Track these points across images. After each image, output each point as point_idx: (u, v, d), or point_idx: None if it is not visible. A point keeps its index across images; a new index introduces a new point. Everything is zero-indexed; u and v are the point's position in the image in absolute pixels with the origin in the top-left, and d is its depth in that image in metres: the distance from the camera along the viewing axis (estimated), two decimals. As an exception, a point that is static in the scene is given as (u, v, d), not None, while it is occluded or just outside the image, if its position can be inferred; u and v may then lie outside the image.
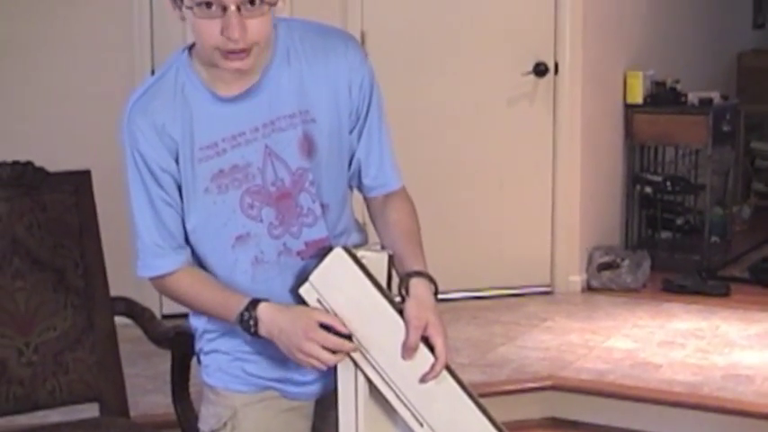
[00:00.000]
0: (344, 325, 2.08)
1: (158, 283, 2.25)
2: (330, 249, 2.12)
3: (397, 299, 2.14)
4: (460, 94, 5.71)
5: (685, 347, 4.93)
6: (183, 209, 2.18)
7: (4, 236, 2.96)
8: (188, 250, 2.21)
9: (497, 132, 5.80)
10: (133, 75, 5.15)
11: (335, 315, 2.09)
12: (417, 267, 2.16)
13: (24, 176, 3.00)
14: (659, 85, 6.38)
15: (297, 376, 2.26)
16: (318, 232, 2.20)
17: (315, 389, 2.28)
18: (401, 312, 2.10)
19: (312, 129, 2.16)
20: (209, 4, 2.00)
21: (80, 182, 3.09)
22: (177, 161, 2.15)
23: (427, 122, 5.55)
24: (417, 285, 2.13)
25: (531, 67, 5.77)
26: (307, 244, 2.20)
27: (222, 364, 2.30)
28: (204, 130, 2.13)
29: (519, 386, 4.48)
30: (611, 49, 6.15)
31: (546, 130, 5.86)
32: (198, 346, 2.36)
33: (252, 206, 2.16)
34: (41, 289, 3.00)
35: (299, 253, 2.19)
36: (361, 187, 2.30)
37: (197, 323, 2.33)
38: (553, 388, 4.49)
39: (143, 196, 2.18)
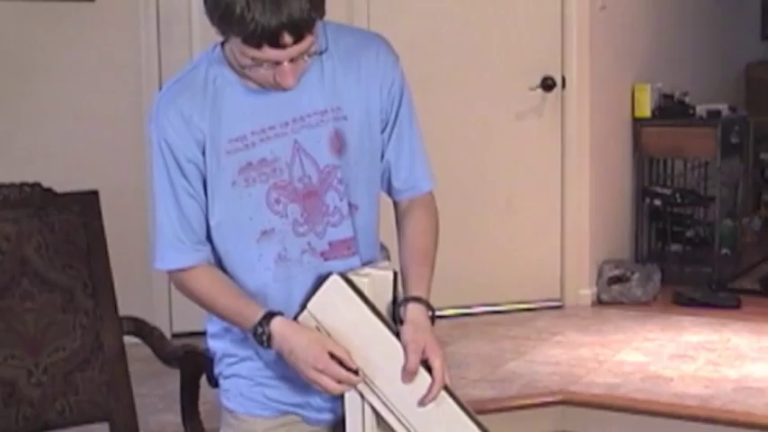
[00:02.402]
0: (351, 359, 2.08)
1: (176, 277, 2.24)
2: (327, 276, 2.12)
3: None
4: (468, 109, 5.72)
5: (696, 360, 4.92)
6: (207, 204, 2.17)
7: (13, 257, 2.97)
8: (208, 247, 2.21)
9: (505, 146, 5.80)
10: (141, 96, 5.17)
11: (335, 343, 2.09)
12: (416, 292, 2.16)
13: (32, 198, 3.01)
14: (667, 97, 6.39)
15: (317, 401, 2.26)
16: (343, 232, 2.20)
17: (334, 415, 2.27)
18: (399, 336, 2.10)
19: (343, 126, 2.17)
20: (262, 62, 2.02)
21: (88, 202, 3.09)
22: (204, 154, 2.15)
23: (435, 137, 5.51)
24: (413, 310, 2.13)
25: (538, 82, 5.78)
26: (331, 244, 2.19)
27: (243, 389, 2.29)
28: (234, 123, 2.14)
29: (529, 401, 4.47)
30: (618, 63, 6.15)
31: (554, 143, 5.87)
32: (217, 369, 2.36)
33: (278, 201, 2.16)
34: (50, 310, 3.00)
35: (322, 253, 2.19)
36: (390, 190, 2.30)
37: (216, 347, 2.33)
38: (564, 402, 4.48)
39: (167, 188, 2.17)
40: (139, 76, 5.21)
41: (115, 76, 5.20)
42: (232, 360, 2.30)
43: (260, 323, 2.11)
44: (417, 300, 2.15)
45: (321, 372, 2.06)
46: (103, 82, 5.19)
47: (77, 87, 5.15)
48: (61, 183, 3.11)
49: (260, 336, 2.11)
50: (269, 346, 2.11)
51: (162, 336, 3.20)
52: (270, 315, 2.11)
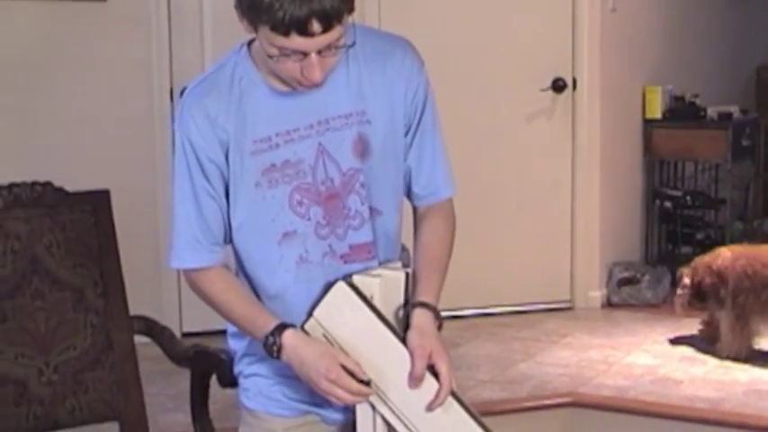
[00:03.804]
0: (363, 371, 2.08)
1: (189, 277, 2.24)
2: (333, 283, 2.12)
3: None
4: (479, 110, 5.72)
5: (706, 363, 4.90)
6: (228, 204, 2.18)
7: (24, 256, 2.97)
8: (225, 249, 2.21)
9: (516, 148, 5.80)
10: (152, 95, 5.19)
11: (342, 349, 2.09)
12: (424, 298, 2.16)
13: (44, 197, 3.01)
14: (678, 99, 6.38)
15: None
16: (363, 236, 2.20)
17: (351, 414, 2.25)
18: (405, 342, 2.09)
19: (367, 130, 2.17)
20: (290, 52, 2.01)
21: (99, 202, 3.09)
22: (227, 155, 2.14)
23: (446, 138, 5.54)
24: (420, 316, 2.13)
25: (549, 83, 5.78)
26: (351, 247, 2.19)
27: (263, 388, 2.30)
28: (259, 124, 2.14)
29: (539, 403, 4.46)
30: (629, 65, 6.15)
31: (565, 145, 5.86)
32: (237, 368, 2.36)
33: (300, 203, 2.16)
34: (61, 308, 3.00)
35: (342, 256, 2.19)
36: (410, 195, 2.30)
37: (236, 346, 2.33)
38: (573, 405, 4.47)
39: (187, 186, 2.17)
40: (151, 74, 5.22)
41: (126, 75, 5.21)
42: (252, 359, 2.30)
43: (272, 333, 2.11)
44: (425, 305, 2.15)
45: (333, 382, 2.05)
46: (115, 81, 5.19)
47: (89, 86, 5.16)
48: (72, 182, 3.12)
49: (270, 346, 2.11)
50: (278, 356, 2.11)
51: (172, 335, 3.20)
52: (282, 327, 2.11)
